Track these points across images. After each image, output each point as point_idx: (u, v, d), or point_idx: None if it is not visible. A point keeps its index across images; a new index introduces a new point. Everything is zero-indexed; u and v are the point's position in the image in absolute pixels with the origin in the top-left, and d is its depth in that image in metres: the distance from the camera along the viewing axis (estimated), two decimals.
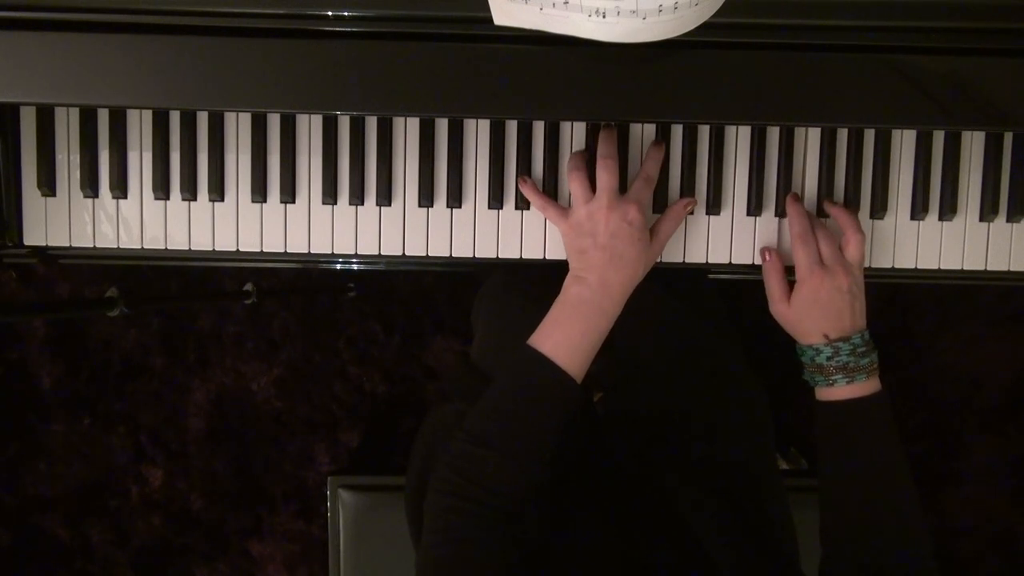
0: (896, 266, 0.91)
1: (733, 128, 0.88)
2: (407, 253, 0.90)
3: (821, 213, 0.89)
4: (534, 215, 0.90)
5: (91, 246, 0.90)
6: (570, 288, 0.81)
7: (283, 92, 0.77)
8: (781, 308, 0.85)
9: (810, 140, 0.89)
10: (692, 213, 0.89)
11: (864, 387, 0.80)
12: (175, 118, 0.88)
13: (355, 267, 0.94)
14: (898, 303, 1.74)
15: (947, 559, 1.83)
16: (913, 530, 0.79)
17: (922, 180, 0.89)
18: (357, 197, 0.89)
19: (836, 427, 0.82)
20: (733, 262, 0.90)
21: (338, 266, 0.94)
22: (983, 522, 1.82)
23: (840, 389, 0.81)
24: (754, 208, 0.89)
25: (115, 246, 0.90)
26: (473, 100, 0.78)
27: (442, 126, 0.88)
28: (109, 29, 0.75)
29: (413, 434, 1.04)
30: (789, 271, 0.86)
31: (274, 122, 0.88)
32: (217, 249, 0.90)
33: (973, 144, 0.89)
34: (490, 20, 0.72)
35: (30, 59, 0.76)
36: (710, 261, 0.90)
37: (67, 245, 0.89)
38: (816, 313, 0.82)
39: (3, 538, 1.84)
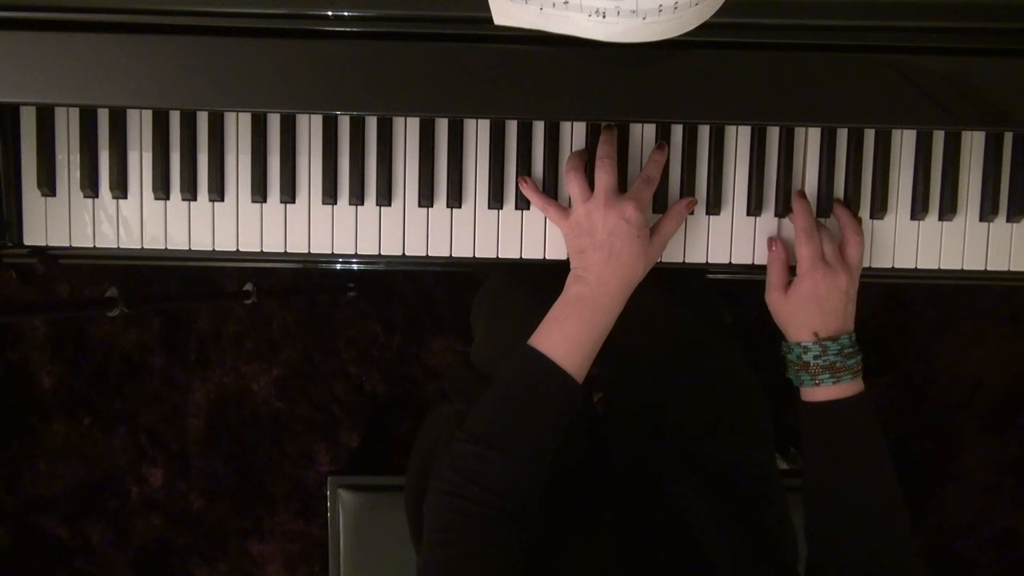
0: (896, 266, 0.91)
1: (733, 128, 0.88)
2: (407, 253, 0.90)
3: (820, 214, 0.89)
4: (534, 215, 0.90)
5: (91, 246, 0.90)
6: (570, 287, 0.81)
7: (283, 92, 0.77)
8: (777, 297, 0.85)
9: (810, 140, 0.89)
10: (692, 213, 0.89)
11: (849, 387, 0.81)
12: (175, 118, 0.88)
13: (355, 267, 0.94)
14: (898, 303, 1.74)
15: (947, 559, 1.83)
16: (897, 530, 0.79)
17: (922, 180, 0.89)
18: (357, 197, 0.88)
19: (822, 428, 0.82)
20: (733, 262, 0.90)
21: (338, 266, 0.94)
22: (983, 522, 1.82)
23: (826, 389, 0.81)
24: (754, 208, 0.89)
25: (115, 246, 0.90)
26: (473, 100, 0.78)
27: (442, 126, 0.88)
28: (109, 29, 0.75)
29: (413, 434, 1.04)
30: (791, 269, 0.87)
31: (274, 122, 0.88)
32: (217, 249, 0.90)
33: (973, 144, 0.89)
34: (490, 20, 0.72)
35: (30, 59, 0.75)
36: (710, 261, 0.90)
37: (67, 245, 0.89)
38: (812, 308, 0.82)
39: (3, 538, 1.84)
